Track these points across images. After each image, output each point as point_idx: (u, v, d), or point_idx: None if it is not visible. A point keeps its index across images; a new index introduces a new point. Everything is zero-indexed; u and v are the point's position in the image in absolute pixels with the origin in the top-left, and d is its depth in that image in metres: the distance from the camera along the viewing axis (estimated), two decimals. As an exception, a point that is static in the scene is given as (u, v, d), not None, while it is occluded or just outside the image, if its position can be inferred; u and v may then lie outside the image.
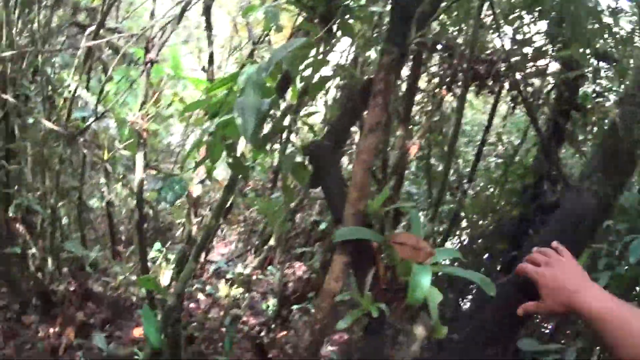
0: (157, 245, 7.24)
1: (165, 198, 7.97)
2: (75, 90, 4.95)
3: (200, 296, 7.15)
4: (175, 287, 4.20)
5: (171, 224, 8.76)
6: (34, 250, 5.27)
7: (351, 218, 2.07)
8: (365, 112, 2.17)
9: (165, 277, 6.52)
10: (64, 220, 6.51)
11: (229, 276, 7.18)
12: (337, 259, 2.12)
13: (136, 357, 4.82)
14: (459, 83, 4.31)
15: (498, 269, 4.62)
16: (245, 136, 2.02)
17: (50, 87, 5.63)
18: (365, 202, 2.07)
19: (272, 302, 7.42)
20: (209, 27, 4.40)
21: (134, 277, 6.47)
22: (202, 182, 5.74)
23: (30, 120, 5.55)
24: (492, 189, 5.50)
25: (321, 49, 2.62)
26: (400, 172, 4.59)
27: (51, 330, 5.35)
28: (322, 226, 7.45)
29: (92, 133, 6.35)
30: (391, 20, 2.10)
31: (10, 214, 5.30)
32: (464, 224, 5.79)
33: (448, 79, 4.16)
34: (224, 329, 5.88)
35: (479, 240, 4.97)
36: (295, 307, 6.24)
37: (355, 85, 2.53)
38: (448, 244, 5.37)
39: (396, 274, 2.05)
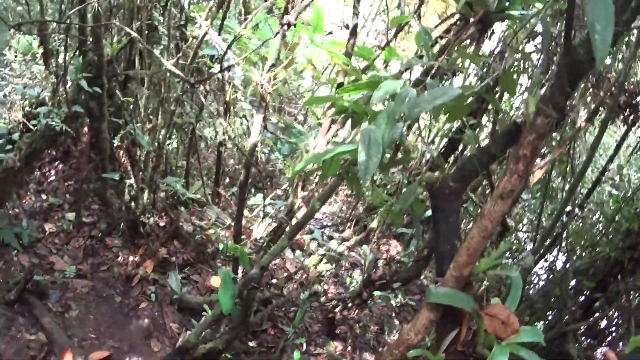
0: (259, 197, 7.16)
1: (280, 150, 7.84)
2: (207, 30, 4.73)
3: (289, 255, 7.04)
4: (262, 260, 4.04)
5: (281, 172, 8.65)
6: (132, 181, 5.31)
7: (453, 280, 1.99)
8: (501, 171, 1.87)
9: (258, 230, 6.43)
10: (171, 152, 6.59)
11: (321, 251, 6.95)
12: (425, 313, 2.07)
13: (204, 312, 4.84)
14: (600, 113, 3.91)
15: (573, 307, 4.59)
16: (363, 176, 1.77)
17: (181, 19, 5.54)
18: (471, 268, 1.99)
19: (357, 278, 7.15)
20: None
21: (226, 223, 6.43)
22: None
23: (157, 52, 5.50)
24: (599, 222, 5.32)
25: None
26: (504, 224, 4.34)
27: (131, 258, 5.44)
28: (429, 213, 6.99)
29: (216, 81, 6.24)
30: (557, 75, 1.66)
31: (116, 142, 5.36)
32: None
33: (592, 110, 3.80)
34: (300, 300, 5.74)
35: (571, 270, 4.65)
36: (377, 293, 5.92)
37: (504, 126, 2.20)
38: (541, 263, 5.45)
39: (476, 341, 2.04)
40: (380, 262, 6.72)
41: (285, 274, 6.36)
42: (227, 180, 7.78)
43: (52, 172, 5.76)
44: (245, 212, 6.24)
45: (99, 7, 4.35)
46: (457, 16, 2.61)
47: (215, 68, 5.48)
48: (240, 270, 4.77)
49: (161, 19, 5.40)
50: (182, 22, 5.49)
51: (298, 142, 6.11)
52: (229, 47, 4.53)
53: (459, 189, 2.15)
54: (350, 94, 2.19)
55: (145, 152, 5.46)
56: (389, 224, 7.11)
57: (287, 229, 4.58)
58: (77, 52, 5.14)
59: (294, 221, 4.77)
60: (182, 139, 6.67)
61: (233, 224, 4.76)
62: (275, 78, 3.83)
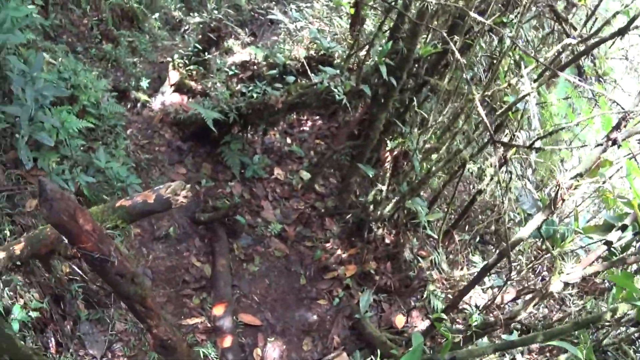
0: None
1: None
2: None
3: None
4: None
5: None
6: (384, 187, 4.90)
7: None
8: None
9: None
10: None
11: None
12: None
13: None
14: None
15: None
16: None
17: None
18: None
19: None
20: None
21: (444, 268, 5.62)
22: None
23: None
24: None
25: None
26: None
27: (339, 252, 5.06)
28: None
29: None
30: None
31: (389, 146, 4.98)
32: None
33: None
34: None
35: None
36: None
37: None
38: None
39: None
40: None
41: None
42: (467, 226, 6.88)
43: (309, 123, 5.67)
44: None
45: (428, 6, 3.90)
46: None
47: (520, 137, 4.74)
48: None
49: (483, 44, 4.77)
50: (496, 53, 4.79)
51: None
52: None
53: None
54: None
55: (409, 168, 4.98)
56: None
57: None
58: (388, 35, 4.82)
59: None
60: (449, 167, 6.00)
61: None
62: (576, 188, 3.39)
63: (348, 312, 4.97)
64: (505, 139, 5.38)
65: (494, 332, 4.23)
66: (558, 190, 3.31)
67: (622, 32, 3.14)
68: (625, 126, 3.10)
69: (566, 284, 3.88)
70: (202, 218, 4.75)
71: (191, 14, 7.45)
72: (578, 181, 3.37)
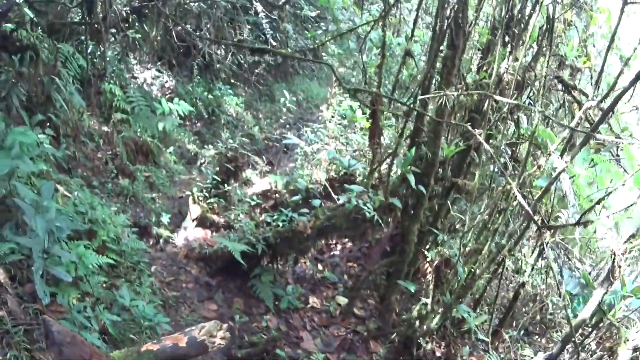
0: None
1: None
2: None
3: None
4: None
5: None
6: (429, 300, 4.66)
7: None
8: None
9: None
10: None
11: None
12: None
13: None
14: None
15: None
16: None
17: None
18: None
19: None
20: None
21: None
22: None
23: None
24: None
25: None
26: None
27: None
28: None
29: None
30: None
31: (429, 256, 4.81)
32: None
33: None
34: None
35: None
36: None
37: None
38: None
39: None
40: None
41: None
42: (513, 322, 6.54)
43: (339, 246, 5.51)
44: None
45: (445, 102, 3.89)
46: None
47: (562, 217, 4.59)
48: None
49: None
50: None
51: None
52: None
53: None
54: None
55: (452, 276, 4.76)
56: None
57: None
58: (409, 142, 4.80)
59: None
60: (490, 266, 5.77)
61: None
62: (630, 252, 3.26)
63: None
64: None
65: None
66: (614, 258, 3.16)
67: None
68: None
69: (635, 349, 3.65)
70: (239, 355, 4.48)
71: (205, 146, 7.57)
72: (632, 243, 3.23)
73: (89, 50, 6.12)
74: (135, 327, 4.04)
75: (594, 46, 5.39)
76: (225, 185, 6.08)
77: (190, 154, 7.77)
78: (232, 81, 8.30)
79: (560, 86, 5.16)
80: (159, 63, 7.98)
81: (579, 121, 4.19)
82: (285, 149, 7.32)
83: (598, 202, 3.57)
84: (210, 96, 8.19)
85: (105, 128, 6.36)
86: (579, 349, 3.99)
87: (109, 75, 6.71)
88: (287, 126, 8.11)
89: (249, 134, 7.62)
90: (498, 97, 4.12)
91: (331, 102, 5.34)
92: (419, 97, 4.40)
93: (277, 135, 7.72)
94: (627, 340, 3.76)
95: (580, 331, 4.29)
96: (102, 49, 6.24)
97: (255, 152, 7.42)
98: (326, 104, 5.45)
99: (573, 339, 3.54)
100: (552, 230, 4.84)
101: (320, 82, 7.49)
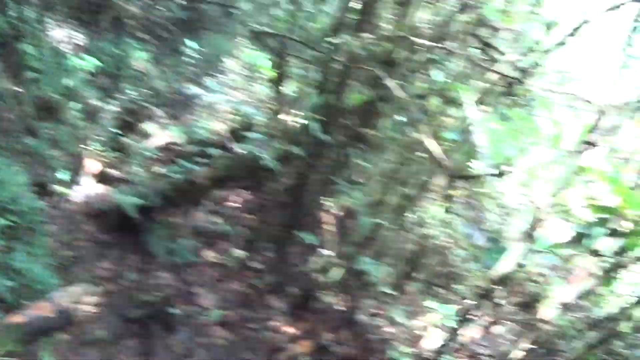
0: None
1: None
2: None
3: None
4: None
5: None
6: (330, 252, 4.57)
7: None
8: None
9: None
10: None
11: None
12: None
13: None
14: None
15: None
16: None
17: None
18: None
19: None
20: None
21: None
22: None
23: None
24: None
25: None
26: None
27: (288, 329, 4.66)
28: None
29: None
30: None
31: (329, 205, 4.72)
32: None
33: None
34: None
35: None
36: None
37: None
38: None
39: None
40: None
41: None
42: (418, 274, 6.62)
43: (237, 198, 5.37)
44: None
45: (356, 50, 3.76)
46: None
47: (477, 166, 4.55)
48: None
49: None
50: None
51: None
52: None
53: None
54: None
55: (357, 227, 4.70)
56: None
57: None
58: (316, 90, 4.65)
59: None
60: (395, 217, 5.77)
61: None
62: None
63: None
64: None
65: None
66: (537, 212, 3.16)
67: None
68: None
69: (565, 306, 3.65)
70: (132, 315, 4.29)
71: (111, 101, 7.27)
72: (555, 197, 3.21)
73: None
74: (29, 292, 3.82)
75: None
76: (126, 139, 5.80)
77: (95, 109, 7.45)
78: (141, 36, 8.03)
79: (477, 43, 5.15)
80: (74, 21, 7.62)
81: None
82: (188, 101, 7.13)
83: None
84: (118, 52, 7.89)
85: (17, 88, 6.03)
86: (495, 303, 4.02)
87: (26, 36, 6.36)
88: (193, 79, 7.96)
89: (153, 87, 7.39)
90: (416, 39, 4.02)
91: (237, 53, 5.13)
92: (328, 41, 4.25)
93: (182, 88, 7.53)
94: (550, 296, 3.76)
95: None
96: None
97: (159, 105, 7.20)
98: (232, 56, 5.25)
99: (490, 293, 3.52)
100: (465, 180, 4.87)
101: (230, 38, 7.32)
